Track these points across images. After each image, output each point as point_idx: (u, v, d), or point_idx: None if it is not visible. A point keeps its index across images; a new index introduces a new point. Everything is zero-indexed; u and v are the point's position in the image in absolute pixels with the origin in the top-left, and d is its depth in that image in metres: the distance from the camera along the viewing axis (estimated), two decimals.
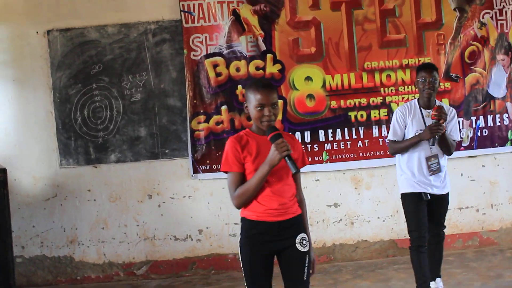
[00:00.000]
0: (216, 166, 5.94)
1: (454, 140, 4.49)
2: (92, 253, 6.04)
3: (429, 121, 4.35)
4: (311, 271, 3.06)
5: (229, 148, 3.01)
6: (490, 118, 6.15)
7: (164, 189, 6.03)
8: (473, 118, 6.11)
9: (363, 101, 6.02)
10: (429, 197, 4.38)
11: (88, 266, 6.04)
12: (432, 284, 4.51)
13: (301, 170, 3.08)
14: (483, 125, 6.13)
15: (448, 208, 6.00)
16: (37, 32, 5.95)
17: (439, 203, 4.48)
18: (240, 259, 3.06)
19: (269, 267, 3.03)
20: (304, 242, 3.02)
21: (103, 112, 6.00)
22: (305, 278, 3.02)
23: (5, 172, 5.41)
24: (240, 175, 2.99)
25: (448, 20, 6.07)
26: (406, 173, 4.46)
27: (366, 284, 5.18)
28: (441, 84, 6.02)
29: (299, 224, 3.05)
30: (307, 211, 3.18)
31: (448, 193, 4.55)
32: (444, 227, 4.63)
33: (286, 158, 2.84)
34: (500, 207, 6.20)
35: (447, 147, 4.39)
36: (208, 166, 5.95)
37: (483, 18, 6.11)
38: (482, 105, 6.14)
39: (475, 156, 6.17)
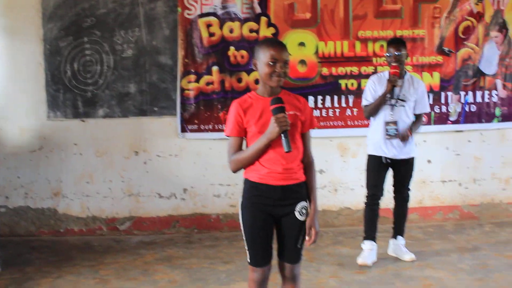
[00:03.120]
0: (204, 127, 5.95)
1: (421, 114, 4.92)
2: (76, 206, 6.06)
3: (395, 91, 4.79)
4: (312, 240, 3.00)
5: (232, 112, 2.97)
6: (479, 94, 6.18)
7: (151, 147, 6.03)
8: (462, 93, 6.14)
9: (355, 69, 6.02)
10: (389, 161, 4.83)
11: (71, 219, 6.07)
12: (393, 241, 5.01)
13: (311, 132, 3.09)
14: (472, 101, 6.16)
15: (431, 180, 6.15)
16: None
17: (402, 167, 4.91)
18: (240, 221, 3.04)
19: (269, 231, 3.01)
20: (303, 211, 2.99)
21: (93, 66, 5.95)
22: (298, 246, 3.03)
23: None
24: (239, 140, 2.97)
25: None
26: (372, 136, 4.91)
27: (345, 250, 5.25)
28: (433, 57, 6.05)
29: (301, 191, 3.01)
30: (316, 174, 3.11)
31: (413, 158, 4.94)
32: (409, 190, 5.03)
33: (282, 134, 2.81)
34: (482, 182, 6.27)
35: (417, 129, 4.95)
36: (196, 126, 5.95)
37: None
38: (472, 81, 6.16)
39: (462, 131, 6.21)
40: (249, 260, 3.05)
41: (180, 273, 4.73)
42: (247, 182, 3.01)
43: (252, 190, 2.98)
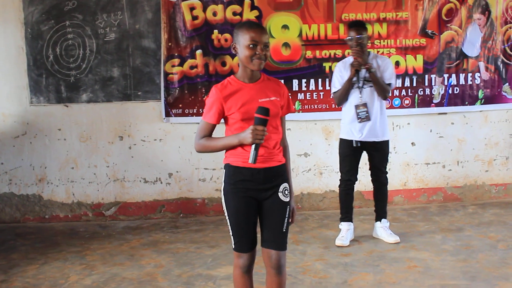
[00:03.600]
0: (189, 110, 5.93)
1: (389, 84, 4.85)
2: (61, 192, 6.04)
3: (361, 73, 4.79)
4: (290, 221, 3.03)
5: (211, 98, 2.94)
6: (462, 76, 6.21)
7: (135, 131, 6.00)
8: (446, 75, 6.16)
9: (338, 52, 6.01)
10: (359, 144, 4.86)
11: (56, 205, 6.05)
12: (377, 224, 5.08)
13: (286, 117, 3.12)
14: (455, 83, 6.19)
15: (415, 163, 6.20)
16: None
17: (376, 150, 4.95)
18: (224, 207, 3.01)
19: (254, 216, 2.99)
20: (286, 192, 2.99)
21: (75, 50, 5.89)
22: (284, 230, 2.99)
23: None
24: (212, 127, 2.96)
25: None
26: (343, 121, 4.95)
27: (331, 233, 5.29)
28: (417, 40, 6.06)
29: (283, 173, 3.02)
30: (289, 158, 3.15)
31: (387, 141, 4.96)
32: (386, 173, 5.06)
33: (253, 146, 2.79)
34: (465, 164, 6.33)
35: (379, 87, 4.76)
36: (181, 110, 5.93)
37: None
38: (455, 63, 6.18)
39: (445, 113, 6.24)
40: (233, 246, 3.03)
41: (166, 257, 4.73)
42: (229, 167, 2.99)
43: (235, 175, 2.96)
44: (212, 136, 3.01)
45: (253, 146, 2.79)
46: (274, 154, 2.97)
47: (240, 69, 2.98)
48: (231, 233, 3.01)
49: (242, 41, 2.87)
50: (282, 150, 3.07)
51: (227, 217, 3.02)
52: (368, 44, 4.97)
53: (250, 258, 3.03)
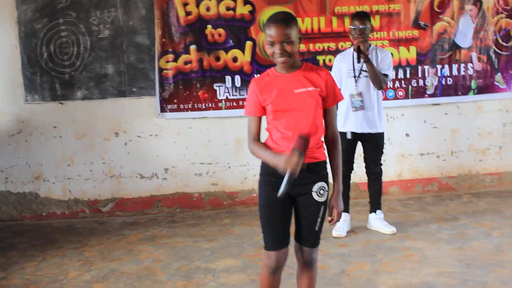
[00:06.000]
0: (184, 106, 5.95)
1: (386, 75, 4.85)
2: (57, 189, 6.05)
3: (358, 63, 4.81)
4: (329, 219, 2.85)
5: (249, 91, 2.86)
6: (455, 67, 6.25)
7: (130, 128, 6.02)
8: (439, 66, 6.20)
9: (332, 45, 6.04)
10: (352, 137, 4.88)
11: (53, 203, 6.06)
12: (372, 215, 5.10)
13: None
14: (448, 74, 6.23)
15: (410, 153, 6.24)
16: None
17: (370, 142, 4.96)
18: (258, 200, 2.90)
19: (284, 211, 2.84)
20: (321, 191, 2.81)
21: (69, 48, 5.90)
22: (316, 229, 2.86)
23: None
24: (256, 120, 2.84)
25: None
26: (338, 111, 4.85)
27: (326, 224, 5.30)
28: (410, 31, 6.09)
29: (319, 171, 2.82)
30: (341, 152, 2.89)
31: (382, 133, 4.97)
32: (381, 165, 5.06)
33: (287, 176, 2.56)
34: (459, 154, 6.37)
35: (374, 76, 4.74)
36: (176, 105, 5.95)
37: None
38: (448, 54, 6.22)
39: (439, 104, 6.28)
40: (263, 243, 2.89)
41: (164, 252, 4.76)
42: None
43: (268, 168, 2.79)
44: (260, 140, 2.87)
45: (286, 176, 2.57)
46: (309, 150, 2.68)
47: None
48: (261, 229, 2.90)
49: (265, 36, 2.73)
50: (330, 144, 2.87)
51: (258, 211, 2.91)
52: (370, 35, 4.99)
53: (277, 259, 2.86)
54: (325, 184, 2.83)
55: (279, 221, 2.84)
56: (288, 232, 2.88)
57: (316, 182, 2.80)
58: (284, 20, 2.70)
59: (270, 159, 2.73)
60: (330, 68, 5.93)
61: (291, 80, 2.78)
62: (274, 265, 2.87)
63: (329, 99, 2.81)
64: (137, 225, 5.66)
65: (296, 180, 2.62)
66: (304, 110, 2.75)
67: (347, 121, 4.90)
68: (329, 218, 2.85)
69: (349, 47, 5.08)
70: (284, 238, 2.87)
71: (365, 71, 4.81)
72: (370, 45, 4.95)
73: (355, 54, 4.81)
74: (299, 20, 5.95)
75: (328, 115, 2.85)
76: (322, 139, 2.88)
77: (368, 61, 4.73)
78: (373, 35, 6.01)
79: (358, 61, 4.77)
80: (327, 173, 2.87)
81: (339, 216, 2.86)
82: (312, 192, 2.80)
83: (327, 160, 2.89)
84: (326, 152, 2.90)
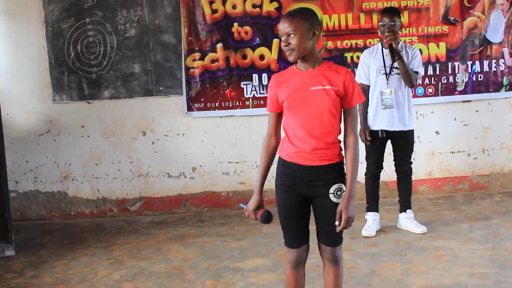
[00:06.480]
0: (211, 104, 5.93)
1: (416, 72, 4.77)
2: (86, 189, 6.08)
3: (388, 60, 4.72)
4: (339, 225, 2.73)
5: (268, 87, 2.89)
6: (486, 63, 6.13)
7: (158, 126, 6.02)
8: (469, 62, 6.08)
9: (360, 42, 5.97)
10: (384, 135, 4.81)
11: (82, 202, 6.09)
12: (402, 214, 5.01)
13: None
14: (479, 70, 6.11)
15: (440, 152, 6.14)
16: None
17: (400, 140, 4.89)
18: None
19: (301, 211, 2.85)
20: (339, 193, 2.76)
21: (96, 47, 5.92)
22: (336, 230, 2.81)
23: None
24: (276, 116, 2.87)
25: None
26: (368, 108, 4.84)
27: (357, 223, 5.20)
28: (439, 27, 5.98)
29: (336, 172, 2.78)
30: (358, 155, 2.80)
31: (411, 131, 4.90)
32: (411, 163, 4.99)
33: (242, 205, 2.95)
34: (491, 152, 6.25)
35: (406, 74, 4.65)
36: (203, 104, 5.93)
37: None
38: (478, 50, 6.10)
39: (469, 101, 6.17)
40: (284, 240, 2.96)
41: (193, 251, 4.75)
42: (279, 159, 2.88)
43: (283, 168, 2.85)
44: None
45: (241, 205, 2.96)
46: (323, 152, 2.74)
47: None
48: (281, 227, 2.96)
49: None
50: (347, 146, 2.80)
51: (277, 211, 2.92)
52: (400, 32, 4.91)
53: (298, 254, 2.92)
54: (343, 185, 2.78)
55: (295, 221, 2.89)
56: (306, 230, 2.91)
57: (332, 184, 2.76)
58: (291, 14, 2.73)
59: (254, 182, 2.93)
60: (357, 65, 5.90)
61: (309, 77, 2.76)
62: (295, 260, 2.93)
63: (347, 99, 2.75)
64: (165, 224, 5.66)
65: (307, 181, 2.78)
66: (319, 108, 2.73)
67: (378, 119, 4.82)
68: (337, 223, 2.73)
69: (376, 44, 5.01)
70: (301, 236, 2.91)
71: (396, 68, 4.72)
72: (399, 42, 4.85)
73: (386, 51, 4.73)
74: (325, 17, 5.90)
75: (347, 116, 2.80)
76: (341, 139, 2.83)
77: (400, 58, 4.64)
78: (401, 31, 5.92)
79: (394, 60, 4.68)
80: (344, 173, 2.81)
81: (349, 223, 2.73)
82: (329, 194, 2.77)
83: (344, 161, 2.83)
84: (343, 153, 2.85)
